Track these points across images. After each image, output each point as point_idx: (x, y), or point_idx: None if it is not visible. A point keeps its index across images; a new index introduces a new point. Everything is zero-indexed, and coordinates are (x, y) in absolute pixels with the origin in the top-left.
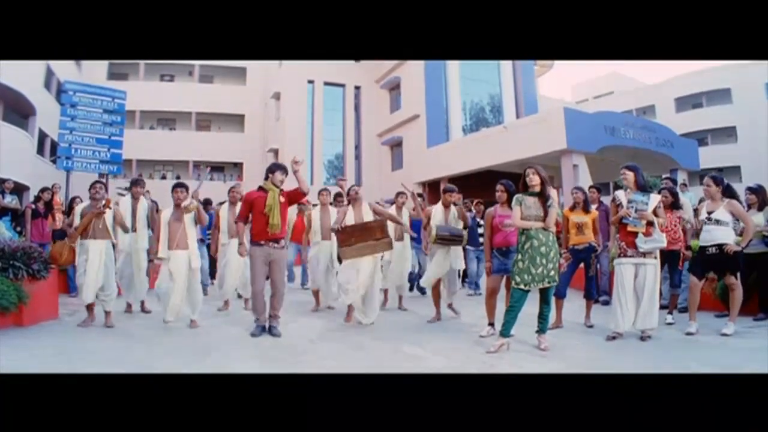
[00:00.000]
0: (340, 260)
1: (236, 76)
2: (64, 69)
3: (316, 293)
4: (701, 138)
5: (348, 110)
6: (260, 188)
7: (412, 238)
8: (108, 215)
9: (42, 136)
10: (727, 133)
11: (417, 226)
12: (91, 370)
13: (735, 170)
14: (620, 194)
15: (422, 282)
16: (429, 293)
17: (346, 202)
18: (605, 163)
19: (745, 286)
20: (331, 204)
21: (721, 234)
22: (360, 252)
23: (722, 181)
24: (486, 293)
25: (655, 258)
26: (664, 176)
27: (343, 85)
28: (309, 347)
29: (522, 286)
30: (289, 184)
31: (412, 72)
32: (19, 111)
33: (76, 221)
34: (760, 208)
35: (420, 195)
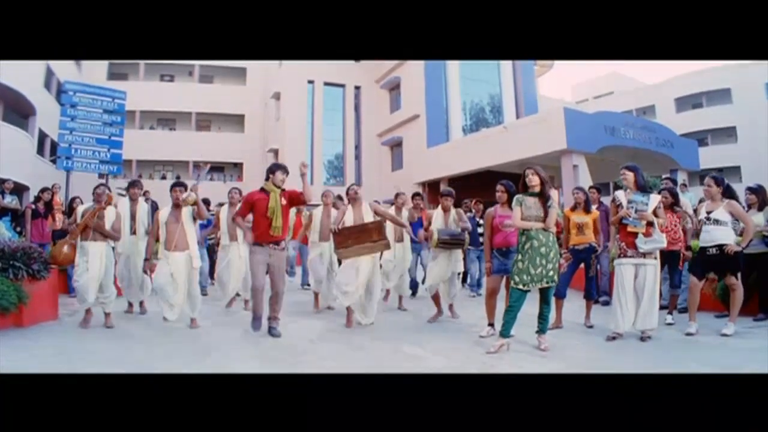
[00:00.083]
0: (339, 262)
1: (236, 76)
2: (64, 69)
3: (316, 295)
4: (701, 138)
5: (348, 110)
6: (262, 189)
7: (412, 240)
8: (108, 215)
9: (42, 136)
10: (727, 134)
11: (416, 228)
12: (91, 370)
13: (735, 170)
14: (620, 194)
15: (425, 287)
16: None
17: (345, 202)
18: (605, 163)
19: (746, 287)
20: (333, 205)
21: (721, 234)
22: (357, 252)
23: (723, 181)
24: (486, 293)
25: (655, 258)
26: (664, 176)
27: (343, 85)
28: (309, 347)
29: (521, 287)
30: (290, 184)
31: (412, 72)
32: (19, 111)
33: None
34: (760, 208)
35: (419, 194)
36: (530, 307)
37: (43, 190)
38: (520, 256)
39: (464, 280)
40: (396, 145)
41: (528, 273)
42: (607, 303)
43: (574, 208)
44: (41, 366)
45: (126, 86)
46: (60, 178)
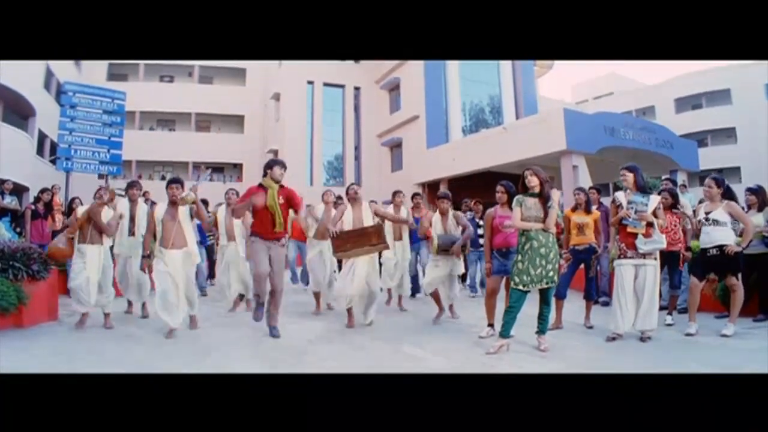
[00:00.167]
0: (339, 262)
1: (236, 77)
2: (64, 70)
3: (317, 295)
4: (701, 139)
5: (348, 111)
6: (260, 185)
7: (411, 239)
8: (105, 213)
9: (42, 137)
10: (727, 134)
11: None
12: (91, 370)
13: (735, 171)
14: (620, 195)
15: (424, 287)
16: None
17: (345, 201)
18: (605, 163)
19: (746, 287)
20: (334, 205)
21: (721, 235)
22: (356, 254)
23: (723, 182)
24: (486, 294)
25: (655, 259)
26: (663, 177)
27: (342, 86)
28: (309, 348)
29: (521, 287)
30: (294, 182)
31: (412, 73)
32: (18, 112)
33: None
34: (760, 209)
35: (418, 194)
36: (530, 307)
37: (43, 191)
38: (519, 257)
39: (464, 280)
40: (396, 146)
41: (528, 273)
42: (606, 303)
43: (574, 209)
44: (41, 366)
45: (126, 87)
46: (60, 179)
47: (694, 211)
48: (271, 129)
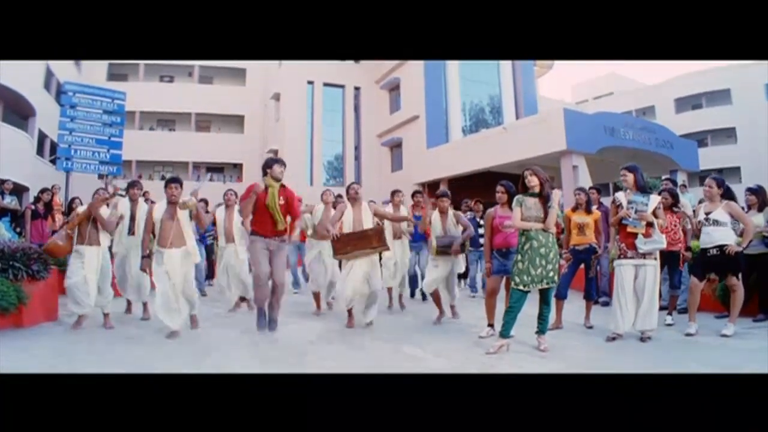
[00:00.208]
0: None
1: (236, 77)
2: (64, 70)
3: (316, 295)
4: (701, 139)
5: (348, 111)
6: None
7: (411, 239)
8: (102, 211)
9: (42, 137)
10: (727, 134)
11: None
12: (91, 370)
13: (735, 171)
14: (620, 196)
15: (423, 286)
16: (429, 298)
17: (345, 200)
18: (605, 164)
19: (746, 287)
20: (333, 204)
21: (721, 235)
22: (356, 256)
23: (723, 182)
24: (486, 294)
25: (655, 259)
26: (663, 177)
27: (342, 86)
28: (309, 348)
29: (521, 287)
30: (294, 182)
31: (412, 73)
32: (18, 112)
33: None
34: (760, 209)
35: (419, 192)
36: (530, 307)
37: (43, 191)
38: (519, 257)
39: (465, 276)
40: (396, 146)
41: (528, 273)
42: (606, 304)
43: (575, 209)
44: (41, 366)
45: (125, 87)
46: (60, 179)
47: (694, 211)
48: (271, 129)
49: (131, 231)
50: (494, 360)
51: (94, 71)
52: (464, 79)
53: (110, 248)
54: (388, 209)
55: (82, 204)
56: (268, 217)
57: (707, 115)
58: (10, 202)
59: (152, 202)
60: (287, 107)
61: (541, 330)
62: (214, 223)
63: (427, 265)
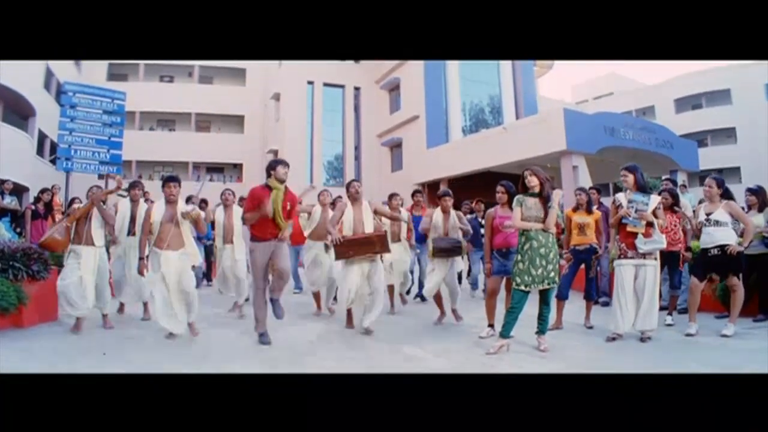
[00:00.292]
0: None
1: (236, 77)
2: (64, 70)
3: (316, 296)
4: (701, 139)
5: (348, 111)
6: (265, 185)
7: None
8: (95, 219)
9: (41, 137)
10: (727, 134)
11: (417, 224)
12: (91, 370)
13: (735, 171)
14: (621, 196)
15: (425, 292)
16: (430, 299)
17: (345, 198)
18: (605, 164)
19: (746, 288)
20: (332, 204)
21: (722, 235)
22: (358, 260)
23: (723, 182)
24: (486, 295)
25: (655, 259)
26: (664, 177)
27: (342, 86)
28: (309, 348)
29: (523, 287)
30: (294, 182)
31: (412, 73)
32: (18, 112)
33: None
34: (761, 209)
35: (419, 192)
36: (530, 307)
37: (43, 191)
38: (519, 257)
39: (467, 274)
40: (396, 146)
41: (529, 274)
42: (606, 304)
43: (576, 209)
44: (41, 366)
45: (126, 87)
46: (60, 179)
47: (694, 212)
48: (271, 129)
49: (131, 232)
50: (494, 360)
51: (94, 71)
52: (464, 79)
53: (107, 248)
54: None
55: (82, 203)
56: (269, 221)
57: (707, 115)
58: (10, 202)
59: (152, 203)
60: (287, 107)
61: (541, 330)
62: (212, 225)
63: (426, 268)
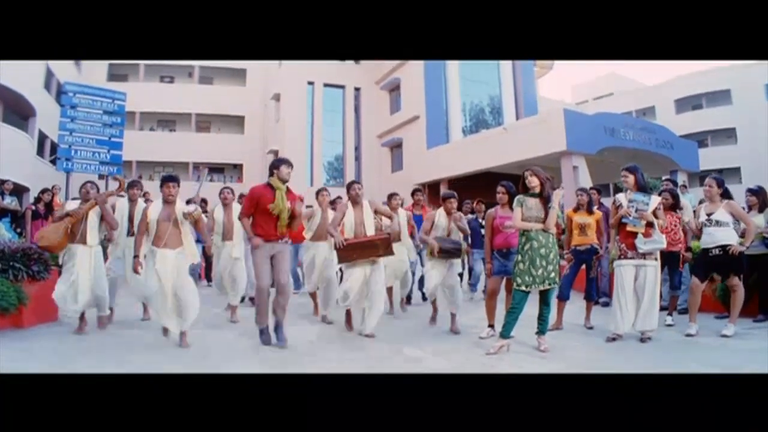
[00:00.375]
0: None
1: (236, 78)
2: (64, 70)
3: (314, 296)
4: (701, 139)
5: (348, 111)
6: (267, 185)
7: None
8: (91, 218)
9: (42, 138)
10: (727, 135)
11: (418, 223)
12: (91, 370)
13: (735, 171)
14: (621, 197)
15: (425, 291)
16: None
17: (346, 199)
18: (605, 164)
19: (746, 288)
20: (332, 203)
21: (723, 235)
22: (361, 263)
23: (723, 182)
24: (486, 295)
25: (655, 259)
26: (664, 178)
27: (343, 87)
28: (309, 348)
29: (523, 288)
30: (293, 182)
31: (412, 73)
32: (19, 112)
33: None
34: (761, 210)
35: (419, 191)
36: (530, 308)
37: (43, 191)
38: (520, 257)
39: (469, 275)
40: (396, 147)
41: (529, 274)
42: (607, 304)
43: (576, 209)
44: (41, 366)
45: (126, 87)
46: (60, 180)
47: (694, 212)
48: (271, 129)
49: (130, 232)
50: (494, 360)
51: (94, 71)
52: (464, 79)
53: (104, 249)
54: None
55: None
56: (272, 221)
57: (707, 115)
58: (10, 202)
59: (151, 202)
60: (287, 108)
61: (541, 330)
62: (211, 228)
63: (426, 269)
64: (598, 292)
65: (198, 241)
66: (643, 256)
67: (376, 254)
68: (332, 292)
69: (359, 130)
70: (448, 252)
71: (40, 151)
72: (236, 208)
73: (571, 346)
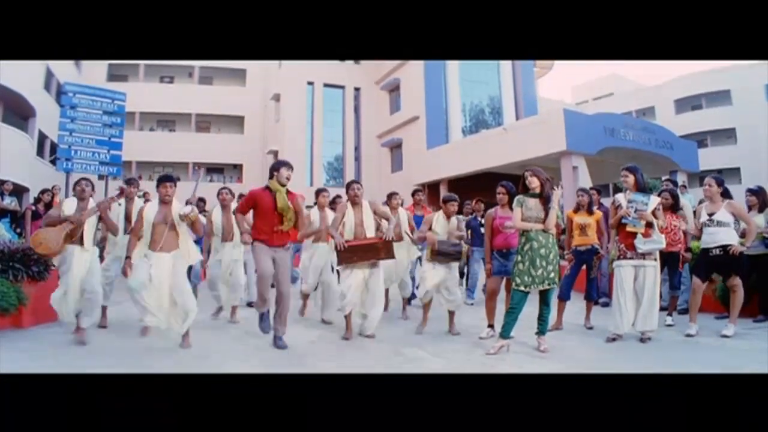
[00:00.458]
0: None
1: (236, 78)
2: (64, 70)
3: (306, 296)
4: (701, 139)
5: (348, 112)
6: (266, 188)
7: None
8: (90, 220)
9: (42, 138)
10: (727, 135)
11: (418, 223)
12: (91, 370)
13: (734, 172)
14: (620, 197)
15: (419, 294)
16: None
17: (345, 200)
18: (605, 164)
19: (746, 288)
20: (331, 203)
21: (724, 235)
22: (361, 266)
23: (723, 182)
24: (486, 295)
25: (655, 260)
26: (664, 178)
27: (342, 87)
28: (309, 348)
29: (522, 288)
30: (293, 183)
31: (412, 73)
32: (18, 112)
33: (68, 212)
34: (761, 210)
35: (419, 191)
36: (530, 308)
37: (43, 192)
38: (519, 258)
39: (465, 280)
40: (396, 147)
41: (529, 274)
42: (606, 304)
43: (577, 210)
44: (41, 366)
45: (126, 87)
46: (60, 180)
47: (694, 212)
48: (271, 130)
49: (127, 231)
50: (494, 360)
51: (94, 72)
52: (464, 79)
53: (101, 251)
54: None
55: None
56: (271, 224)
57: (707, 115)
58: (9, 203)
59: (149, 202)
60: (287, 108)
61: (541, 331)
62: (209, 225)
63: (424, 270)
64: (598, 293)
65: (197, 242)
66: (643, 256)
67: (377, 257)
68: (332, 294)
69: (359, 130)
70: (448, 255)
71: (40, 152)
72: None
73: (571, 347)
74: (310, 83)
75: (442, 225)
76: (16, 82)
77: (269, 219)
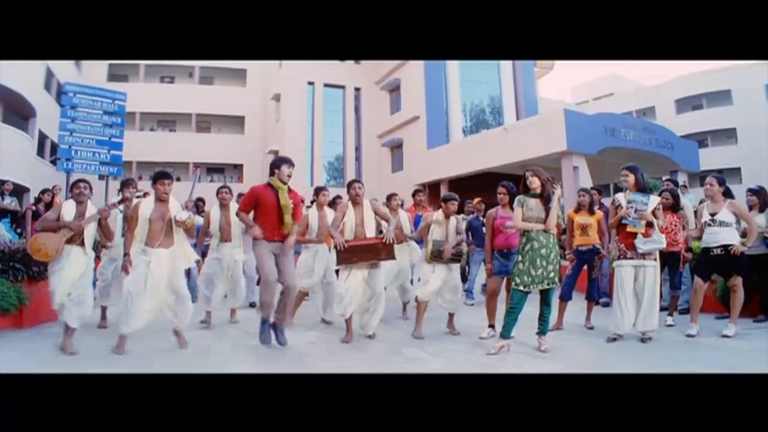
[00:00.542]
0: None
1: (236, 78)
2: (64, 70)
3: (300, 294)
4: (701, 139)
5: (348, 112)
6: (268, 185)
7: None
8: (89, 227)
9: (42, 138)
10: (727, 135)
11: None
12: (91, 370)
13: (735, 172)
14: (620, 197)
15: (418, 294)
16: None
17: (346, 200)
18: (605, 164)
19: (746, 288)
20: (331, 203)
21: (726, 235)
22: (361, 266)
23: (724, 181)
24: (486, 295)
25: (655, 260)
26: (664, 178)
27: (343, 87)
28: (309, 348)
29: (522, 288)
30: (294, 182)
31: (412, 73)
32: (19, 112)
33: (67, 216)
34: (761, 210)
35: (420, 191)
36: (530, 308)
37: (44, 192)
38: (520, 257)
39: (464, 280)
40: (396, 147)
41: (529, 274)
42: (607, 304)
43: (578, 210)
44: (41, 366)
45: (126, 87)
46: (60, 180)
47: (695, 212)
48: (271, 130)
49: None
50: (495, 361)
51: (95, 72)
52: (464, 79)
53: (97, 254)
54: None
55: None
56: (273, 221)
57: (708, 115)
58: (10, 203)
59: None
60: (288, 108)
61: (542, 331)
62: (208, 225)
63: (423, 271)
64: (599, 293)
65: (195, 245)
66: (643, 256)
67: (378, 258)
68: (333, 295)
69: (359, 130)
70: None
71: (41, 152)
72: (234, 208)
73: (572, 347)
74: (311, 83)
75: (442, 226)
76: (16, 82)
77: (271, 216)
